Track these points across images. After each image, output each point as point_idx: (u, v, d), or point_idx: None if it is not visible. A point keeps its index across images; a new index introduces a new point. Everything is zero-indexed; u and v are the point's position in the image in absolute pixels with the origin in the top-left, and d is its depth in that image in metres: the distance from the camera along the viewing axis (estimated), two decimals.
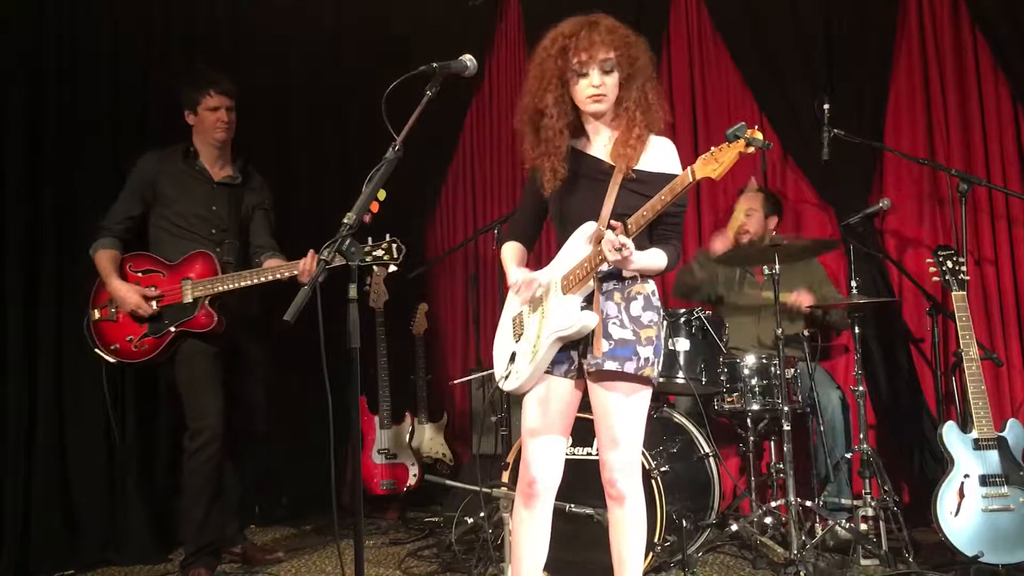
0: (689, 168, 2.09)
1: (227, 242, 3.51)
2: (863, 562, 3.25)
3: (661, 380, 3.39)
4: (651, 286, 2.32)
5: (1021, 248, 3.89)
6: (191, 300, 3.36)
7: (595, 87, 2.25)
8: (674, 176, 2.19)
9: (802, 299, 3.78)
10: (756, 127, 2.01)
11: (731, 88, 4.50)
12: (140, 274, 3.42)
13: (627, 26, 2.30)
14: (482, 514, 3.39)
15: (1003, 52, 3.89)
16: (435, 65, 2.18)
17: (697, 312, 3.43)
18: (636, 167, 2.26)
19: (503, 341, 2.45)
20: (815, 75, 4.18)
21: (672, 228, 2.32)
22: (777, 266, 3.32)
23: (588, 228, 2.28)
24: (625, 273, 2.27)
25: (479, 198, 5.30)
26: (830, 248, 3.86)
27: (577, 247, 2.30)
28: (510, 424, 3.83)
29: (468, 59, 2.22)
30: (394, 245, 3.29)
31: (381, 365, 4.44)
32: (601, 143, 2.36)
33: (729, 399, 3.57)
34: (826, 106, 3.74)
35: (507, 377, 2.37)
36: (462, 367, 5.04)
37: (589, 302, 2.27)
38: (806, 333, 3.64)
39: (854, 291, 3.50)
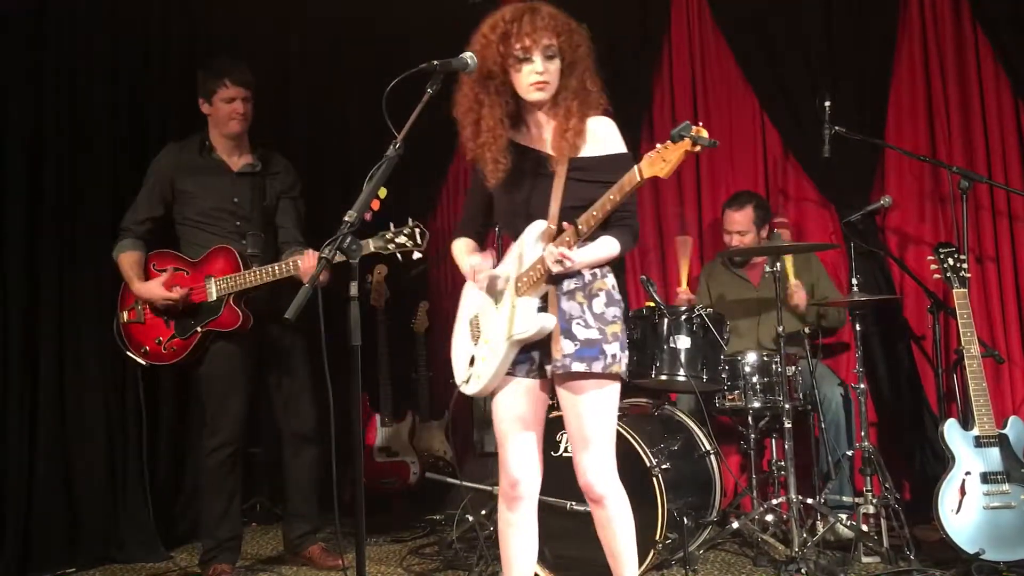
0: (636, 167, 2.06)
1: (251, 234, 3.39)
2: (864, 559, 3.25)
3: (663, 378, 3.41)
4: (611, 280, 2.29)
5: (1022, 245, 3.89)
6: (215, 298, 3.27)
7: (539, 73, 2.20)
8: (619, 156, 2.22)
9: (800, 296, 3.75)
10: (700, 124, 1.98)
11: (732, 86, 4.48)
12: (164, 272, 3.34)
13: (567, 16, 2.25)
14: (483, 512, 3.39)
15: (1004, 49, 3.88)
16: (435, 63, 2.17)
17: (698, 310, 3.42)
18: (579, 155, 2.23)
19: (461, 344, 2.41)
20: (816, 72, 4.17)
21: (626, 213, 2.26)
22: (778, 264, 3.32)
23: (538, 227, 2.23)
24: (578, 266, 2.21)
25: None
26: (827, 248, 3.85)
27: (528, 246, 2.25)
28: None
29: (468, 57, 2.21)
30: (417, 230, 3.11)
31: (382, 363, 4.43)
32: (541, 134, 2.31)
33: (730, 397, 3.57)
34: (827, 103, 3.73)
35: (468, 381, 2.34)
36: None
37: (546, 302, 2.24)
38: (807, 331, 3.64)
39: (855, 288, 3.50)
